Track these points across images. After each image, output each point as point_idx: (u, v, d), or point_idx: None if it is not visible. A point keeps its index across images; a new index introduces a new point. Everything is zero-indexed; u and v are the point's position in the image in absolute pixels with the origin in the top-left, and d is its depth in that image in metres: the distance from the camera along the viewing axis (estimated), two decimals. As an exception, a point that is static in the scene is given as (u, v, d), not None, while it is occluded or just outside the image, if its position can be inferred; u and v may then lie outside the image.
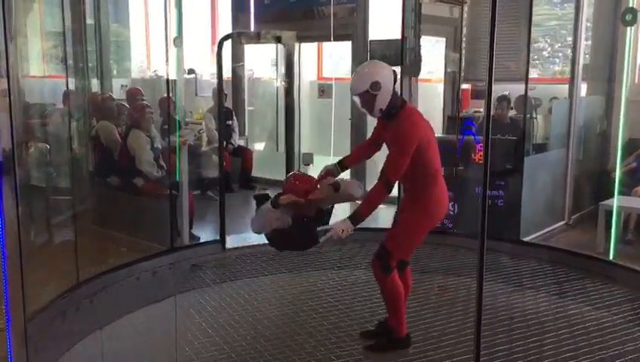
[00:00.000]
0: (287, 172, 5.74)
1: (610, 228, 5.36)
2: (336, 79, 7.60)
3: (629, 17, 4.77)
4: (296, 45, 7.98)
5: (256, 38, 7.09)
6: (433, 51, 7.71)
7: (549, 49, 8.16)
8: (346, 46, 7.69)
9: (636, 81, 6.69)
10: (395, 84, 3.43)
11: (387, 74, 3.44)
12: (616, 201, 5.40)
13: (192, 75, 8.76)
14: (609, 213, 5.46)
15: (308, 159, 7.92)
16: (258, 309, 4.26)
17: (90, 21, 6.98)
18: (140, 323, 4.06)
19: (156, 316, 4.17)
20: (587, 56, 6.84)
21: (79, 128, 5.84)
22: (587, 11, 6.31)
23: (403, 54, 6.14)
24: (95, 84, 7.13)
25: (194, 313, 4.18)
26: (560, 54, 8.08)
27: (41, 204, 5.55)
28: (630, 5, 5.04)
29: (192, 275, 4.96)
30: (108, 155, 6.20)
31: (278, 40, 5.86)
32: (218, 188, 5.96)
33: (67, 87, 5.23)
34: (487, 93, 2.12)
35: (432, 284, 4.78)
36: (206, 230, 6.04)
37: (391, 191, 3.41)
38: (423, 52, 6.46)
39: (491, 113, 6.74)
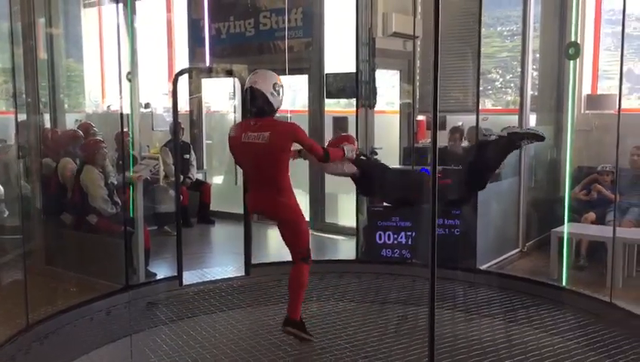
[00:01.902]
0: (245, 205, 5.73)
1: (563, 254, 5.49)
2: (292, 111, 7.66)
3: (572, 51, 4.98)
4: (253, 79, 8.05)
5: (209, 73, 7.13)
6: (392, 83, 7.86)
7: (501, 80, 8.42)
8: (303, 79, 7.78)
9: (582, 111, 6.94)
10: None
11: None
12: (566, 228, 5.55)
13: (149, 109, 8.70)
14: (561, 240, 5.60)
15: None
16: (216, 346, 4.18)
17: (44, 56, 6.90)
18: (93, 366, 3.94)
19: (111, 357, 4.06)
20: (538, 86, 7.08)
21: (27, 164, 5.71)
22: (533, 44, 6.55)
23: (358, 87, 6.26)
24: (47, 120, 7.00)
25: (150, 353, 4.07)
26: (512, 85, 8.34)
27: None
28: (573, 39, 5.27)
29: (148, 313, 4.85)
30: (63, 192, 6.07)
31: (229, 73, 5.92)
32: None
33: (17, 123, 5.13)
34: (433, 125, 2.17)
35: (392, 315, 4.78)
36: (163, 266, 5.94)
37: None
38: (378, 84, 6.62)
39: (445, 144, 6.86)
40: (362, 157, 4.61)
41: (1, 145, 6.64)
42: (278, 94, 4.07)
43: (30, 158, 5.83)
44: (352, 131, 6.48)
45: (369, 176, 4.58)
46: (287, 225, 4.20)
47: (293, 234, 4.19)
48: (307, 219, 4.74)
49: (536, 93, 6.96)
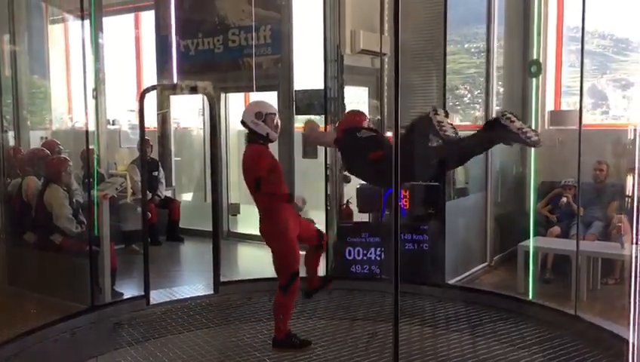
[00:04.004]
0: (215, 222, 5.72)
1: (529, 268, 5.56)
2: (262, 128, 7.63)
3: (534, 69, 5.07)
4: (222, 95, 8.03)
5: (174, 89, 7.08)
6: (361, 99, 7.89)
7: (469, 95, 8.54)
8: (272, 96, 7.77)
9: (546, 127, 7.06)
10: None
11: None
12: (532, 242, 5.62)
13: (116, 126, 8.61)
14: (527, 254, 5.67)
15: (235, 209, 7.88)
16: (183, 367, 4.13)
17: (8, 73, 6.79)
18: (55, 389, 3.85)
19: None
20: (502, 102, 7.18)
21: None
22: (498, 60, 6.67)
23: (327, 103, 6.29)
24: (11, 137, 6.87)
25: (114, 375, 4.00)
26: (480, 100, 8.45)
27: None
28: (535, 57, 5.37)
29: (115, 334, 4.76)
30: (27, 211, 5.94)
31: (194, 90, 5.89)
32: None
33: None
34: (394, 140, 2.19)
35: (361, 332, 4.77)
36: (130, 286, 5.84)
37: None
38: (347, 100, 6.65)
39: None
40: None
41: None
42: (264, 122, 4.23)
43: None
44: (320, 147, 6.52)
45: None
46: (271, 250, 4.34)
47: (273, 261, 4.34)
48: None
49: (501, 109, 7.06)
